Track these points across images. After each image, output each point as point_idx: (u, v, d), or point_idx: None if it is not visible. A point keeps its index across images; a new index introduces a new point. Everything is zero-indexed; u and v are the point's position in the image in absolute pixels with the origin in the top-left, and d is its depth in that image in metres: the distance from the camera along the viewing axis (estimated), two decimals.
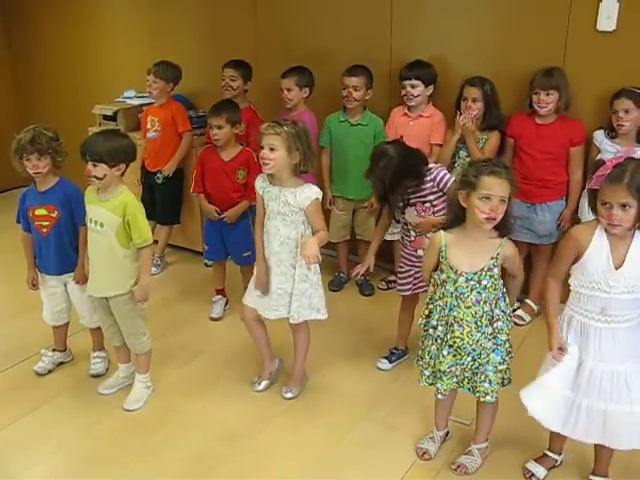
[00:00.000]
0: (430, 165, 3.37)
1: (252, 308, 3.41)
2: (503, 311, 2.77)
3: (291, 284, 3.26)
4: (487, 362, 2.78)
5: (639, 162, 2.43)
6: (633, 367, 2.59)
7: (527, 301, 4.19)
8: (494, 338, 2.77)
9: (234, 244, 4.13)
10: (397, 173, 3.25)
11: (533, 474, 2.93)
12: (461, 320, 2.77)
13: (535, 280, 4.13)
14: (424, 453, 3.07)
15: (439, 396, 2.94)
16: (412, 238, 3.49)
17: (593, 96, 3.84)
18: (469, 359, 2.81)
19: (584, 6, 3.80)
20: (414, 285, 3.57)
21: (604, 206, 2.46)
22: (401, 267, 3.63)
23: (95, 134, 3.27)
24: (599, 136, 3.81)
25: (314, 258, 3.07)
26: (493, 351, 2.77)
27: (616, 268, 2.51)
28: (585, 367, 2.62)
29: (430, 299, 2.89)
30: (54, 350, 3.73)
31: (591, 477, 2.89)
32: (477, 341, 2.77)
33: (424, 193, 3.35)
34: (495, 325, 2.76)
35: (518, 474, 2.96)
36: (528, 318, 4.15)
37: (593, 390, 2.61)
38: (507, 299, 2.80)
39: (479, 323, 2.76)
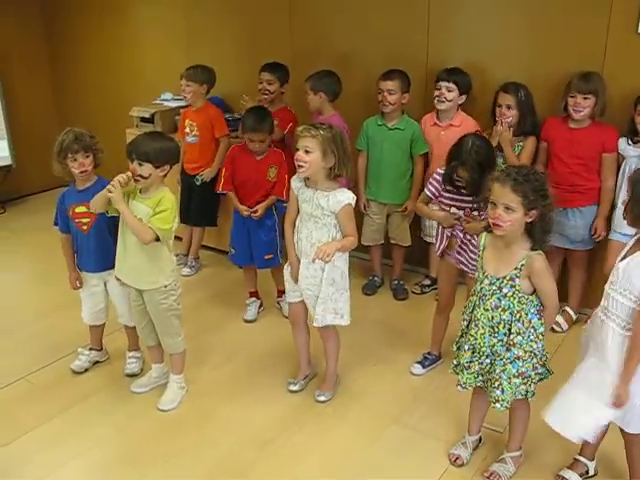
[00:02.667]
0: None
1: (298, 308, 3.42)
2: (533, 327, 2.70)
3: (318, 287, 3.27)
4: (503, 371, 2.74)
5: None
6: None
7: (566, 308, 4.13)
8: (509, 350, 2.73)
9: (258, 244, 4.12)
10: (489, 156, 3.26)
11: None
12: (478, 320, 2.78)
13: (573, 287, 4.08)
14: (456, 459, 3.05)
15: (458, 388, 2.92)
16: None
17: (631, 100, 3.78)
18: (487, 361, 2.79)
19: (625, 9, 3.75)
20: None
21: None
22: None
23: (142, 135, 3.31)
24: (622, 144, 3.77)
25: (325, 255, 3.05)
26: (511, 362, 2.73)
27: (619, 262, 2.53)
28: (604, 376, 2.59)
29: (470, 294, 2.91)
30: (91, 349, 3.78)
31: None
32: (492, 346, 2.76)
33: (478, 205, 3.33)
34: (512, 337, 2.71)
35: None
36: (565, 326, 4.09)
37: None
38: (543, 318, 2.74)
39: (495, 329, 2.74)
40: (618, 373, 2.53)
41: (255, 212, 4.04)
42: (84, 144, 3.33)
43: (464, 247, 3.43)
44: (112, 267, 3.43)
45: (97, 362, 3.80)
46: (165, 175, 3.22)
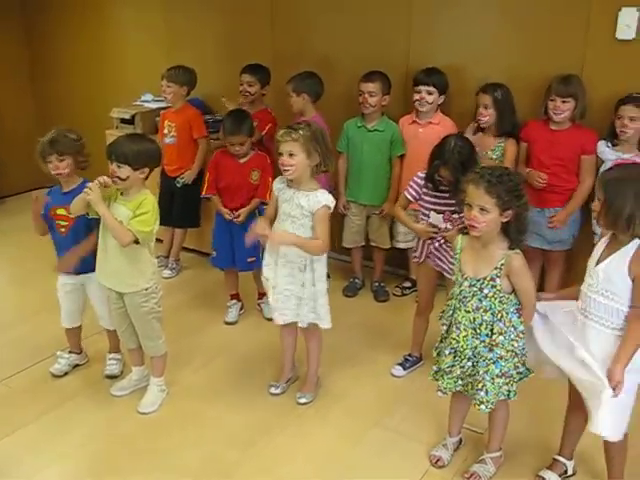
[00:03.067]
0: None
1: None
2: (513, 326, 2.73)
3: (300, 288, 3.26)
4: (486, 372, 2.76)
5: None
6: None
7: None
8: (491, 351, 2.74)
9: (240, 247, 4.05)
10: (471, 156, 3.27)
11: None
12: (459, 323, 2.79)
13: (550, 288, 4.10)
14: (437, 460, 3.06)
15: (439, 394, 2.92)
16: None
17: (611, 105, 3.81)
18: (469, 364, 2.80)
19: (603, 15, 3.80)
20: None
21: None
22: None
23: (123, 136, 3.30)
24: (600, 147, 3.81)
25: (277, 240, 3.10)
26: (494, 363, 2.74)
27: (596, 265, 2.55)
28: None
29: (448, 298, 2.92)
30: (70, 352, 3.75)
31: None
32: (475, 347, 2.77)
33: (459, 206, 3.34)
34: (495, 337, 2.73)
35: None
36: None
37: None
38: (522, 317, 2.76)
39: (478, 330, 2.75)
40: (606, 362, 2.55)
41: (238, 217, 4.04)
42: (57, 147, 3.30)
43: (444, 253, 3.45)
44: (91, 270, 3.41)
45: (77, 365, 3.77)
46: (146, 177, 3.20)
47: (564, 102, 3.78)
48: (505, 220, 2.63)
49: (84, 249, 3.40)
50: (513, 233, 2.67)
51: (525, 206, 2.65)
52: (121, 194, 3.20)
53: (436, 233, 3.41)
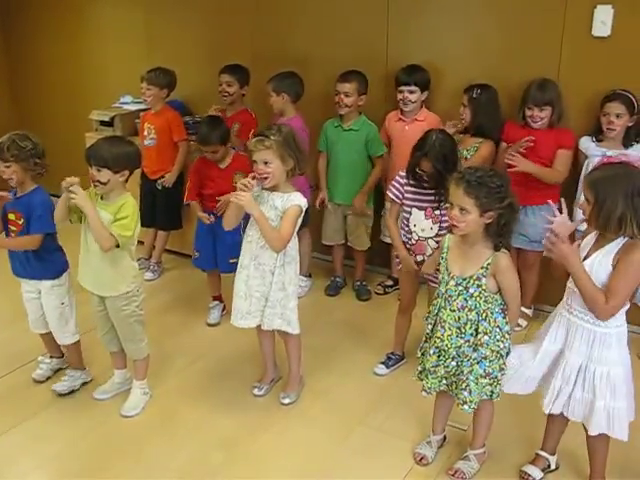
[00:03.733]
0: None
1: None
2: (498, 327, 2.74)
3: (268, 290, 3.25)
4: (470, 372, 2.77)
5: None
6: (599, 369, 2.60)
7: (522, 308, 4.17)
8: (476, 351, 2.76)
9: (223, 248, 4.09)
10: (452, 149, 3.30)
11: (530, 475, 2.95)
12: (444, 322, 2.80)
13: (526, 288, 4.08)
14: (421, 458, 3.07)
15: (423, 393, 2.93)
16: (413, 242, 3.49)
17: (588, 102, 3.86)
18: (453, 363, 2.82)
19: (579, 12, 3.83)
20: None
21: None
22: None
23: (101, 139, 3.26)
24: (585, 142, 3.83)
25: (240, 189, 3.03)
26: (478, 362, 2.76)
27: (583, 261, 2.55)
28: (563, 357, 2.66)
29: (434, 297, 2.93)
30: (51, 357, 3.72)
31: None
32: (459, 347, 2.78)
33: (440, 199, 3.36)
34: (479, 337, 2.74)
35: (515, 478, 2.97)
36: (524, 323, 4.17)
37: (565, 376, 2.66)
38: (507, 317, 2.78)
39: (462, 329, 2.76)
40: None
41: (218, 210, 4.05)
42: (2, 155, 3.24)
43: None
44: (43, 278, 3.39)
45: (60, 369, 3.73)
46: (126, 180, 3.19)
47: (541, 110, 3.80)
48: (488, 222, 2.63)
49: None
50: (492, 235, 2.66)
51: (509, 209, 2.63)
52: (101, 198, 3.18)
53: (418, 265, 3.48)
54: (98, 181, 3.09)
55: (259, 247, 3.21)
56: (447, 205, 2.73)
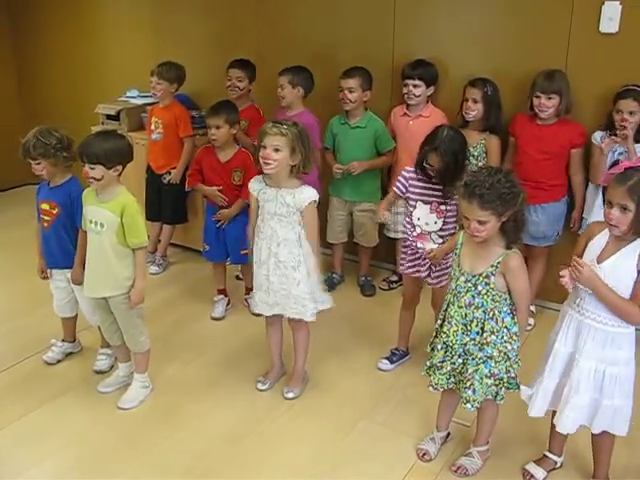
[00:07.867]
0: None
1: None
2: (506, 327, 2.72)
3: (295, 286, 3.25)
4: (475, 371, 2.76)
5: None
6: (609, 370, 2.60)
7: None
8: (481, 350, 2.75)
9: (233, 240, 4.10)
10: (462, 146, 3.30)
11: (532, 475, 2.94)
12: (451, 318, 2.80)
13: (532, 282, 4.08)
14: (424, 454, 3.07)
15: (430, 389, 2.93)
16: (415, 235, 3.48)
17: (595, 98, 3.85)
18: (460, 360, 2.81)
19: (587, 8, 3.81)
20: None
21: (607, 205, 2.50)
22: (402, 264, 3.64)
23: (92, 135, 3.29)
24: (598, 137, 3.80)
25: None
26: (483, 362, 2.75)
27: (599, 262, 2.54)
28: (574, 363, 2.66)
29: (446, 292, 2.92)
30: (63, 340, 3.78)
31: None
32: (464, 344, 2.78)
33: (446, 194, 3.35)
34: (486, 336, 2.73)
35: (518, 476, 2.97)
36: (530, 320, 4.15)
37: (576, 383, 2.65)
38: (516, 318, 2.76)
39: (468, 327, 2.76)
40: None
41: (220, 217, 4.08)
42: (30, 154, 3.32)
43: (422, 262, 3.51)
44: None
45: (71, 353, 3.79)
46: (120, 174, 3.21)
47: (549, 99, 3.78)
48: (504, 220, 2.62)
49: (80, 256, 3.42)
50: (510, 232, 2.65)
51: (522, 205, 2.62)
52: (96, 194, 3.21)
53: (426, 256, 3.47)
54: (93, 178, 3.12)
55: (276, 245, 3.22)
56: (453, 202, 2.71)
